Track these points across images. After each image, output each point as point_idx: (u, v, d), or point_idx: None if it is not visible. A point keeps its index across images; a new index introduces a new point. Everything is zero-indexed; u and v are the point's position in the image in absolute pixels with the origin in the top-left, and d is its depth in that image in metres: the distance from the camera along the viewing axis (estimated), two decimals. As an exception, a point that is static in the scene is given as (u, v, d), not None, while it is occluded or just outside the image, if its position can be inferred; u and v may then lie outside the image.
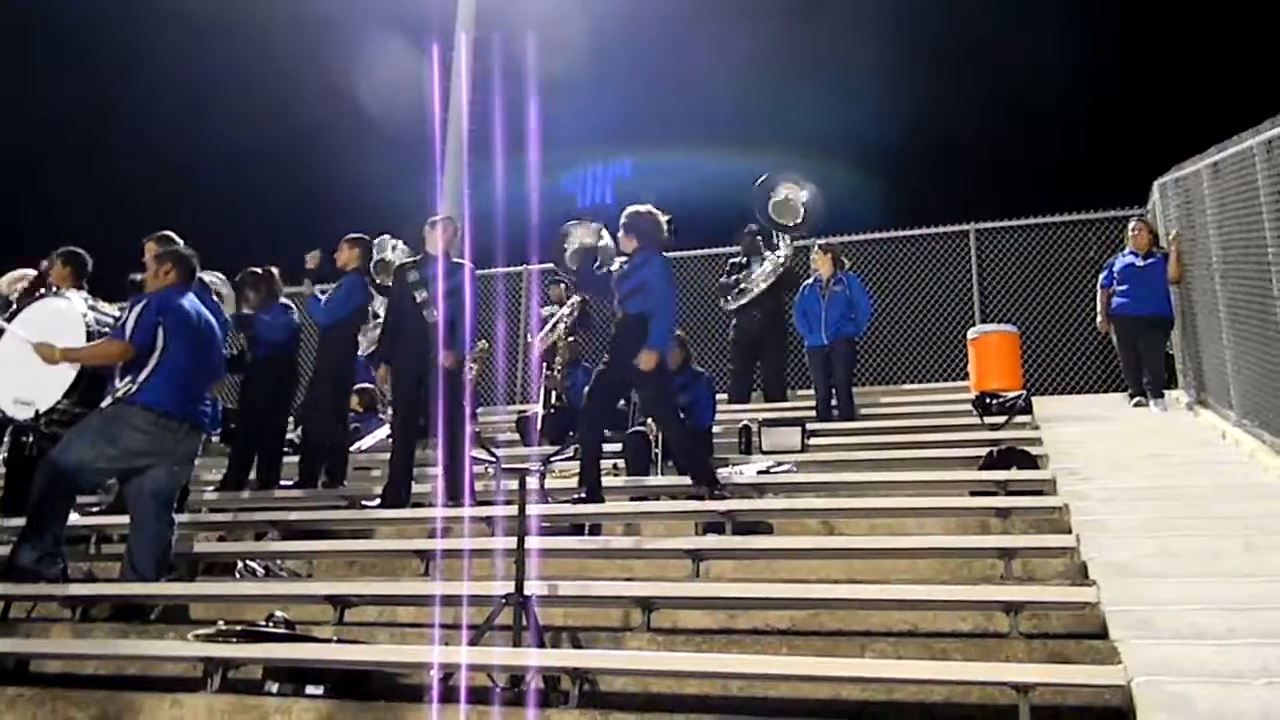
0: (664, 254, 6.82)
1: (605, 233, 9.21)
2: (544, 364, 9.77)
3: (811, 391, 9.44)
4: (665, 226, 6.76)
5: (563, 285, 10.55)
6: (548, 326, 9.90)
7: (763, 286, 9.97)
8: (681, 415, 7.35)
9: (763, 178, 10.10)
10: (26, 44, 19.38)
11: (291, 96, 19.43)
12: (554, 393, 9.38)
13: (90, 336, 6.05)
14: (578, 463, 6.91)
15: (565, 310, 9.89)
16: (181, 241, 6.65)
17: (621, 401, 7.52)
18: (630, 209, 6.80)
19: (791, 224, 10.02)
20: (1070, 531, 5.31)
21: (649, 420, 7.49)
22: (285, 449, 8.28)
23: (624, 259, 6.86)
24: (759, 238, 10.25)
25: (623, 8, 15.58)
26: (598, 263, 8.22)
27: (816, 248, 9.60)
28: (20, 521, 5.87)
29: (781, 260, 10.00)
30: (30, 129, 18.66)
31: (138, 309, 5.64)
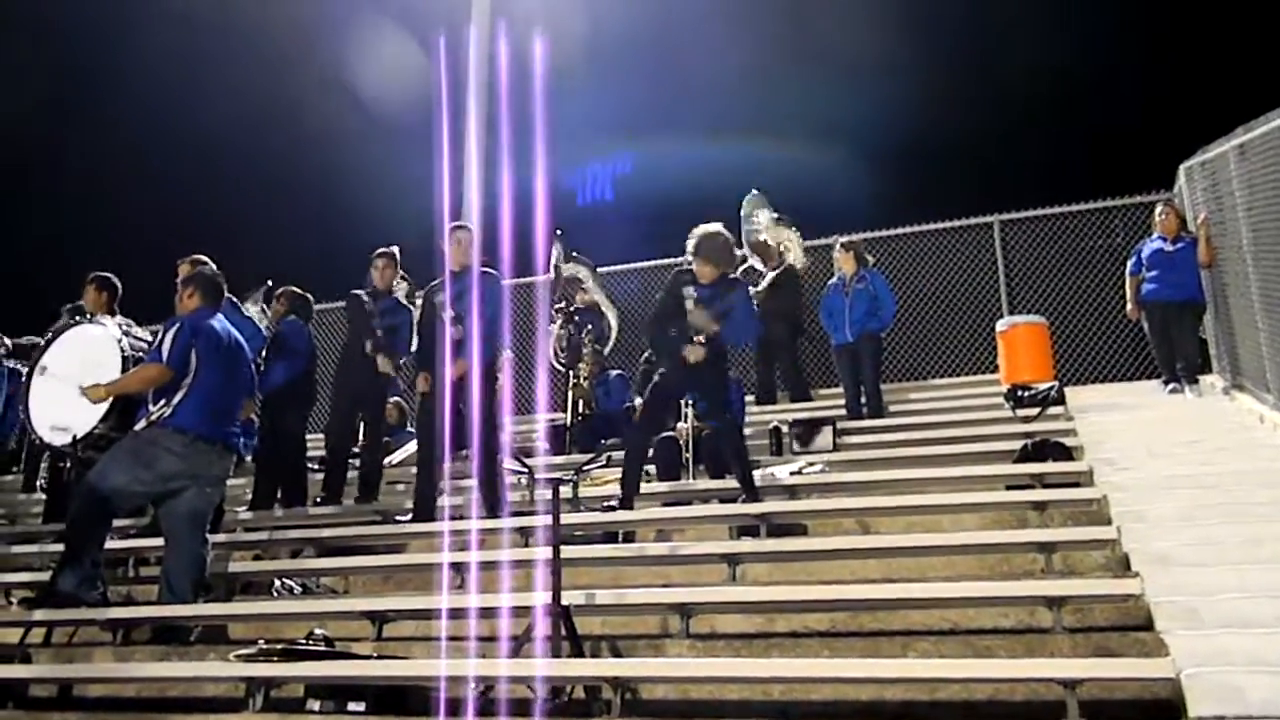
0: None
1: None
2: (571, 374, 9.77)
3: (840, 390, 9.41)
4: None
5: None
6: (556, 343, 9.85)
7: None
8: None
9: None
10: (19, 41, 19.49)
11: (293, 95, 19.49)
12: (581, 401, 9.37)
13: (126, 362, 6.10)
14: (610, 469, 6.89)
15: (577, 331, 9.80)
16: (212, 264, 6.71)
17: None
18: (706, 232, 6.57)
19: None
20: (1110, 523, 5.25)
21: (678, 424, 7.48)
22: (313, 466, 8.34)
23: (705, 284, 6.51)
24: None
25: (622, 2, 15.56)
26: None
27: (839, 246, 9.57)
28: (60, 546, 5.93)
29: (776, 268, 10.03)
30: (24, 127, 18.81)
31: (172, 332, 5.69)
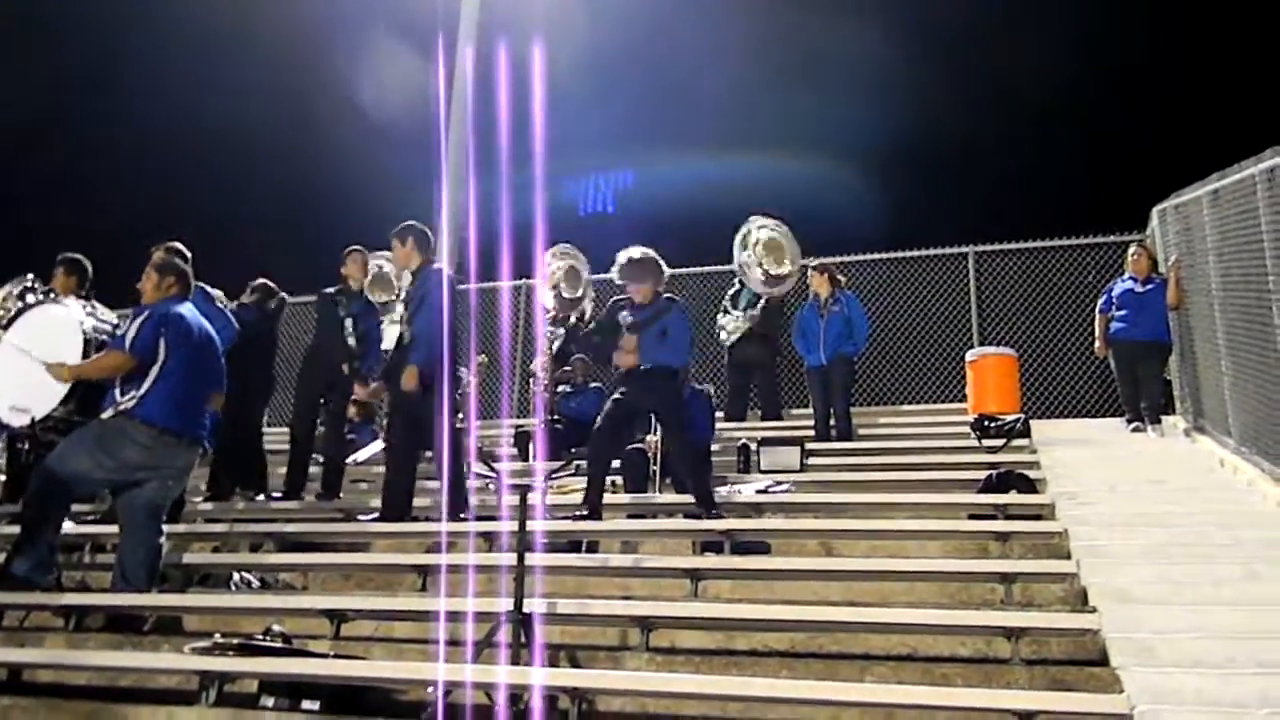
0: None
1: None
2: (531, 381, 9.80)
3: (809, 411, 9.44)
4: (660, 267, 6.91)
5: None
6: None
7: (744, 328, 9.98)
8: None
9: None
10: (19, 38, 19.34)
11: (290, 98, 19.46)
12: (543, 409, 9.37)
13: (88, 344, 6.01)
14: (577, 479, 6.89)
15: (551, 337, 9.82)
16: (188, 253, 6.68)
17: None
18: (632, 255, 6.84)
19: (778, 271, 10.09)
20: (1070, 557, 5.30)
21: (647, 437, 7.48)
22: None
23: (638, 304, 6.81)
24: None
25: (622, 17, 15.66)
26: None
27: (812, 269, 9.63)
28: (14, 529, 5.84)
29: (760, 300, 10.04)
30: (21, 125, 18.63)
31: (139, 320, 5.61)
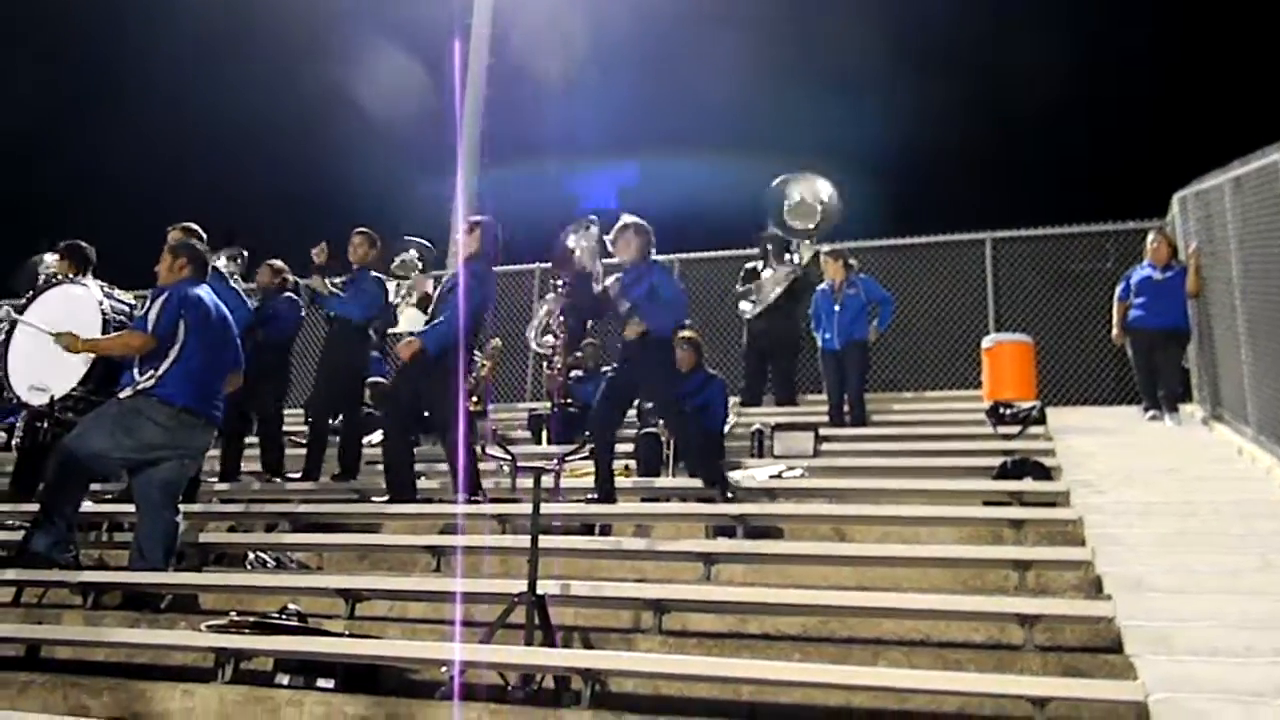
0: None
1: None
2: (545, 364, 9.81)
3: (824, 396, 9.43)
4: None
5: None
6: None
7: (773, 297, 9.92)
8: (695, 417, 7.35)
9: (776, 181, 10.14)
10: (23, 30, 19.46)
11: (297, 93, 19.55)
12: (557, 391, 9.39)
13: (106, 324, 6.05)
14: (589, 463, 6.90)
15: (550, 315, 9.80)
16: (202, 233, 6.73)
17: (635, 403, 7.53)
18: (628, 218, 6.91)
19: (808, 227, 10.04)
20: (1085, 544, 5.28)
21: (661, 421, 7.48)
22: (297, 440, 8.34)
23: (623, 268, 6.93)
24: (770, 244, 10.21)
25: (629, 15, 15.67)
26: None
27: (825, 254, 9.60)
28: (33, 506, 5.89)
29: (793, 269, 9.99)
30: (24, 118, 18.77)
31: (160, 301, 5.64)
